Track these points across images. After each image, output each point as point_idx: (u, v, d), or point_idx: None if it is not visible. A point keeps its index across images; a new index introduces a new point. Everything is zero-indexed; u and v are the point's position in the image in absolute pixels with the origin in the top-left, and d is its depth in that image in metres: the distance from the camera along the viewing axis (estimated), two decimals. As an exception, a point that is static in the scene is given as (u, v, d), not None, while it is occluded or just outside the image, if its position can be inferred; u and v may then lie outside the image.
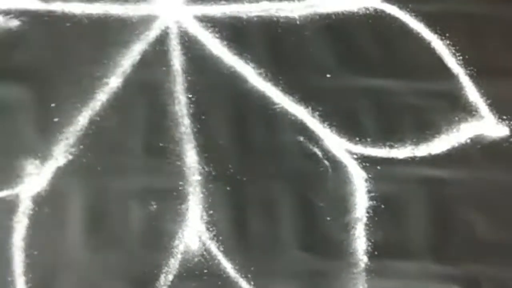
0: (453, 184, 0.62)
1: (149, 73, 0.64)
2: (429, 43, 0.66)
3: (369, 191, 0.61)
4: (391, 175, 0.62)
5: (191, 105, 0.63)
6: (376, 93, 0.65)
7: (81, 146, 0.61)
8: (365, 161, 0.62)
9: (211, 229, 0.59)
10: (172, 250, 0.58)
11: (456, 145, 0.63)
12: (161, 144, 0.62)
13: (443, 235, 0.60)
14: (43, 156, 0.60)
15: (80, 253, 0.58)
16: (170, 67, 0.65)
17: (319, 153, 0.62)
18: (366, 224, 0.60)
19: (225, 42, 0.66)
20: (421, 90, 0.65)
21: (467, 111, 0.64)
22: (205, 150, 0.62)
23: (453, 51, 0.65)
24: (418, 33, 0.66)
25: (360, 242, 0.60)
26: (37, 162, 0.60)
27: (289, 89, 0.64)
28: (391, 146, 0.63)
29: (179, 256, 0.58)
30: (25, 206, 0.58)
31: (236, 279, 0.58)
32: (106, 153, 0.61)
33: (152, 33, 0.65)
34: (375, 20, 0.67)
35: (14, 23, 0.64)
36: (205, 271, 0.58)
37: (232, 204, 0.60)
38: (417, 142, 0.63)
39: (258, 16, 0.66)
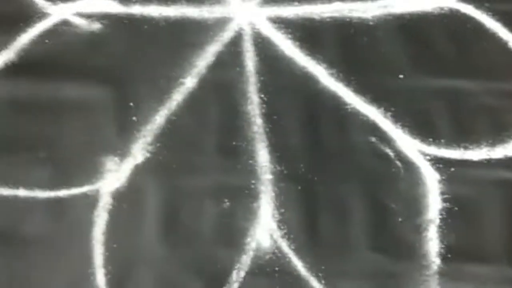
0: (530, 187, 0.60)
1: (223, 74, 0.66)
2: (505, 43, 0.64)
3: (442, 193, 0.61)
4: (465, 177, 0.61)
5: (264, 105, 0.64)
6: (451, 93, 0.64)
7: (158, 144, 0.63)
8: (439, 163, 0.61)
9: (282, 227, 0.60)
10: (244, 247, 0.59)
11: (534, 147, 0.61)
12: (234, 143, 0.63)
13: (519, 239, 0.59)
14: (122, 153, 0.63)
15: (156, 248, 0.60)
16: (244, 68, 0.66)
17: (392, 154, 0.62)
18: (439, 226, 0.60)
19: (297, 43, 0.66)
20: (497, 90, 0.64)
21: (545, 112, 0.62)
22: (277, 149, 0.63)
23: (531, 51, 0.64)
24: (495, 33, 0.65)
25: (432, 244, 0.59)
26: (116, 159, 0.62)
27: (361, 89, 0.64)
28: (465, 148, 0.62)
29: (251, 253, 0.59)
30: (105, 201, 0.61)
31: (306, 278, 0.59)
32: (182, 152, 0.63)
33: (227, 35, 0.67)
34: (450, 20, 0.66)
35: (96, 26, 0.67)
36: (276, 268, 0.59)
37: (303, 203, 0.61)
38: (492, 143, 0.62)
39: (330, 17, 0.67)
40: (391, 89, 0.64)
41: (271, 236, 0.60)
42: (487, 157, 0.62)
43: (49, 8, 0.67)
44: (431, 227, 0.60)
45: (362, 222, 0.60)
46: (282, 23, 0.67)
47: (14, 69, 0.66)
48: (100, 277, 0.59)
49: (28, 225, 0.61)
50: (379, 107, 0.64)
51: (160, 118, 0.64)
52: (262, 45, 0.67)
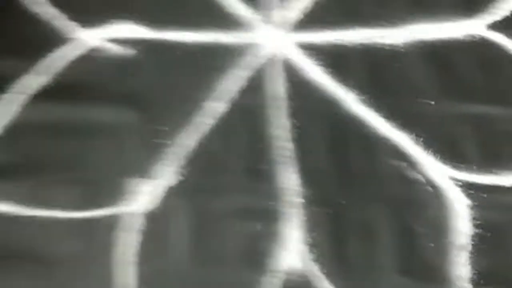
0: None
1: (253, 99, 0.67)
2: (534, 71, 0.65)
3: (474, 219, 0.60)
4: (497, 203, 0.61)
5: (294, 130, 0.65)
6: (481, 119, 0.64)
7: (188, 167, 0.64)
8: (470, 188, 0.61)
9: (313, 251, 0.60)
10: (274, 270, 0.59)
11: None
12: (264, 167, 0.64)
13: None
14: (153, 176, 0.63)
15: (185, 268, 0.60)
16: (274, 93, 0.67)
17: (422, 179, 0.62)
18: (471, 252, 0.59)
19: (328, 69, 0.67)
20: (526, 118, 0.64)
21: None
22: (306, 173, 0.63)
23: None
24: (524, 61, 0.65)
25: (465, 270, 0.59)
26: (146, 181, 0.63)
27: (392, 115, 0.65)
28: (496, 174, 0.62)
29: (281, 276, 0.59)
30: (139, 223, 0.61)
31: (337, 301, 0.59)
32: (212, 174, 0.64)
33: (258, 60, 0.68)
34: (480, 48, 0.66)
35: (131, 51, 0.68)
36: (307, 292, 0.59)
37: (333, 226, 0.61)
38: (523, 170, 0.62)
39: (361, 44, 0.68)
40: (421, 115, 0.65)
41: (302, 259, 0.60)
42: (518, 183, 0.62)
43: (82, 33, 0.69)
44: (463, 253, 0.59)
45: (391, 246, 0.60)
46: (312, 50, 0.68)
47: (48, 92, 0.67)
48: (131, 298, 0.59)
49: (57, 245, 0.61)
50: (410, 133, 0.64)
51: (192, 141, 0.65)
52: (292, 71, 0.67)
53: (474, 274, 0.59)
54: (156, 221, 0.61)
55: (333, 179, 0.63)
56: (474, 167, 0.62)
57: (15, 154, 0.64)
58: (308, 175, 0.63)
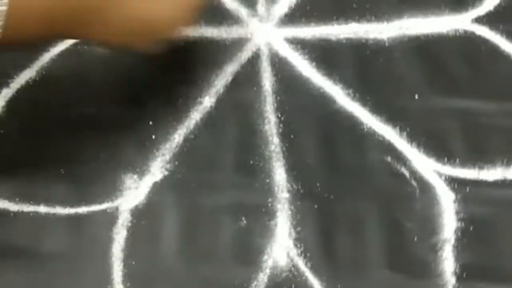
0: (545, 208, 0.61)
1: (241, 93, 0.67)
2: (520, 65, 0.65)
3: (457, 213, 0.61)
4: (480, 197, 0.61)
5: (281, 125, 0.65)
6: (465, 114, 0.65)
7: (176, 163, 0.64)
8: (454, 182, 0.62)
9: (299, 245, 0.61)
10: (261, 265, 0.60)
11: (549, 168, 0.62)
12: (251, 162, 0.64)
13: (535, 259, 0.59)
14: (141, 171, 0.64)
15: (174, 264, 0.60)
16: (261, 88, 0.67)
17: (407, 174, 0.63)
18: (454, 246, 0.60)
19: (314, 64, 0.67)
20: (511, 111, 0.65)
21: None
22: (294, 168, 0.64)
23: (546, 73, 0.64)
24: (509, 55, 0.66)
25: (448, 263, 0.59)
26: (135, 177, 0.63)
27: (377, 109, 0.65)
28: (480, 168, 0.63)
29: (267, 271, 0.60)
30: (124, 219, 0.62)
31: (323, 296, 0.59)
32: (199, 170, 0.64)
33: (244, 55, 0.68)
34: (465, 42, 0.67)
35: (117, 46, 0.68)
36: (293, 286, 0.59)
37: (320, 221, 0.62)
38: (507, 164, 0.63)
39: (347, 38, 0.68)
40: (406, 109, 0.65)
41: (288, 254, 0.60)
42: (502, 177, 0.62)
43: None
44: (447, 247, 0.60)
45: (379, 241, 0.61)
46: (299, 44, 0.68)
47: (36, 87, 0.67)
48: (119, 293, 0.60)
49: (47, 241, 0.61)
50: (394, 126, 0.65)
51: (178, 136, 0.65)
52: (279, 65, 0.68)
53: (457, 267, 0.59)
54: (141, 217, 0.62)
55: (321, 173, 0.63)
56: (458, 160, 0.63)
57: (4, 150, 0.65)
58: (295, 170, 0.64)
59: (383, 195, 0.62)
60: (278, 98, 0.66)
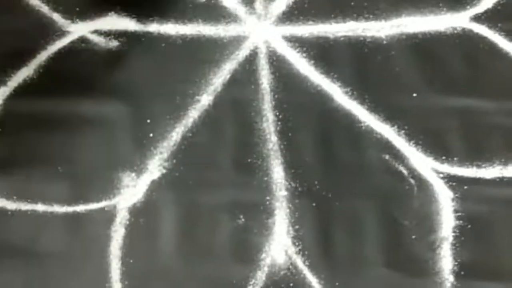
0: (542, 206, 0.61)
1: (239, 91, 0.67)
2: (518, 63, 0.65)
3: (455, 211, 0.61)
4: (478, 195, 0.62)
5: (279, 123, 0.65)
6: (463, 112, 0.65)
7: (174, 161, 0.64)
8: (452, 181, 0.62)
9: (297, 243, 0.61)
10: (259, 263, 0.60)
11: (547, 166, 0.62)
12: (249, 160, 0.64)
13: (532, 257, 0.60)
14: (139, 169, 0.64)
15: (172, 262, 0.60)
16: (259, 86, 0.67)
17: (405, 172, 0.63)
18: (452, 244, 0.60)
19: (312, 62, 0.67)
20: (509, 109, 0.65)
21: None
22: (292, 166, 0.64)
23: (544, 71, 0.64)
24: (508, 53, 0.66)
25: (446, 261, 0.60)
26: (133, 175, 0.63)
27: (375, 107, 0.65)
28: (478, 166, 0.63)
29: (265, 269, 0.60)
30: (122, 217, 0.62)
31: (321, 294, 0.59)
32: (197, 168, 0.64)
33: (242, 53, 0.68)
34: (463, 40, 0.67)
35: (114, 43, 0.68)
36: (291, 284, 0.59)
37: (318, 219, 0.62)
38: (505, 162, 0.63)
39: (345, 36, 0.68)
40: (404, 108, 0.65)
41: (286, 252, 0.60)
42: (500, 175, 0.62)
43: (68, 26, 0.69)
44: (445, 245, 0.60)
45: (376, 239, 0.61)
46: (297, 42, 0.68)
47: (33, 85, 0.67)
48: (117, 291, 0.60)
49: (45, 239, 0.62)
50: (392, 125, 0.65)
51: (176, 134, 0.65)
52: (277, 63, 0.68)
53: (455, 265, 0.59)
54: (139, 215, 0.62)
55: (318, 171, 0.63)
56: (456, 159, 0.63)
57: (2, 148, 0.65)
58: (293, 168, 0.64)
59: (381, 193, 0.62)
60: (276, 96, 0.66)
